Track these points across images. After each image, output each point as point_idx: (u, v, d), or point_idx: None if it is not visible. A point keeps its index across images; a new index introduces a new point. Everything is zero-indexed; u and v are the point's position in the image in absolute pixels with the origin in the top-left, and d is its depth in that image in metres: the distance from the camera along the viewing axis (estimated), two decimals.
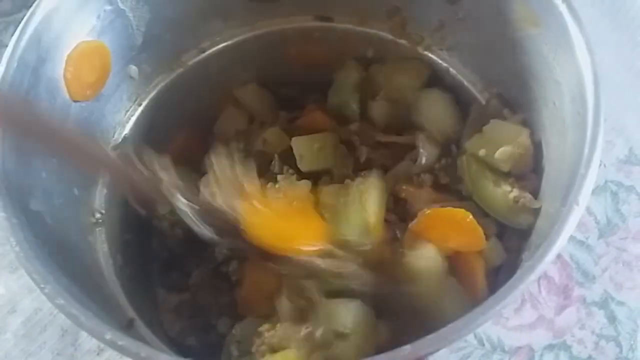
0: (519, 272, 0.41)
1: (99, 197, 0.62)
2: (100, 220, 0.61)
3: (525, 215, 0.53)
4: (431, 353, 0.38)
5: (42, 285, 0.41)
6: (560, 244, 0.39)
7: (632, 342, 0.69)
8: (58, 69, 0.55)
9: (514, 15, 0.54)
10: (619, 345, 0.69)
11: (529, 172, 0.56)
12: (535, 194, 0.54)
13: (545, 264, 0.39)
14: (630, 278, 0.73)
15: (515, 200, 0.53)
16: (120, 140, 0.65)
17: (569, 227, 0.40)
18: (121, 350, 0.38)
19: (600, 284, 0.72)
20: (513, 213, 0.54)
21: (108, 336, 0.39)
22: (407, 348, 0.37)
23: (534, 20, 0.51)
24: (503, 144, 0.55)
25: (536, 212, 0.52)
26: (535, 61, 0.53)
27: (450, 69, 0.66)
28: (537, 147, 0.56)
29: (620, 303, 0.71)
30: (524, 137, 0.55)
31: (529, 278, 0.39)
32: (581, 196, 0.41)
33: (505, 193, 0.54)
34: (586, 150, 0.42)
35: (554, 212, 0.45)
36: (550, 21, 0.49)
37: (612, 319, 0.70)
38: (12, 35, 0.53)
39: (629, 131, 0.81)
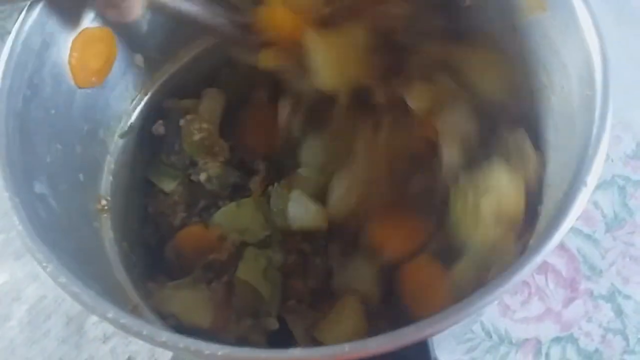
0: (524, 255, 0.40)
1: (105, 184, 0.62)
2: (107, 207, 0.61)
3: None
4: (434, 334, 0.38)
5: (45, 264, 0.41)
6: (567, 225, 0.39)
7: (639, 336, 0.69)
8: (63, 54, 0.55)
9: (522, 1, 0.54)
10: (625, 338, 0.69)
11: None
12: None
13: (551, 246, 0.38)
14: (637, 272, 0.72)
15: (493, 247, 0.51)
16: (126, 129, 0.65)
17: (577, 208, 0.39)
18: (123, 328, 0.38)
19: (607, 278, 0.72)
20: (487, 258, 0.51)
21: (110, 314, 0.38)
22: (410, 328, 0.36)
23: (542, 5, 0.51)
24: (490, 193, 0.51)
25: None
26: (542, 46, 0.52)
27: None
28: (543, 137, 0.55)
29: (627, 297, 0.71)
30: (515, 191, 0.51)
31: (534, 260, 0.38)
32: (590, 177, 0.40)
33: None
34: (594, 131, 0.42)
35: (562, 196, 0.44)
36: (558, 4, 0.49)
37: (619, 312, 0.70)
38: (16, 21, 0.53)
39: (637, 126, 0.81)
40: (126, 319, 0.38)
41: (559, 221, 0.39)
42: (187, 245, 0.63)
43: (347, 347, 0.36)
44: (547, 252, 0.38)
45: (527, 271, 0.37)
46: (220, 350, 0.36)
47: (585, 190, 0.40)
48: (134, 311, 0.53)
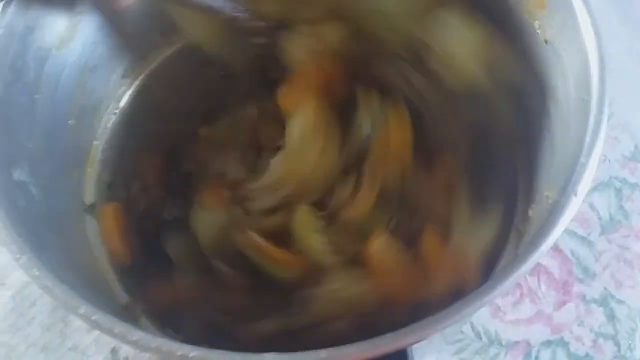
0: (512, 262, 0.39)
1: (91, 180, 0.62)
2: (94, 203, 0.60)
3: None
4: (416, 342, 0.37)
5: (18, 256, 0.40)
6: (555, 234, 0.38)
7: (630, 342, 0.68)
8: (48, 38, 0.54)
9: None
10: (617, 343, 0.68)
11: None
12: None
13: (538, 255, 0.37)
14: (631, 276, 0.71)
15: None
16: (115, 113, 0.64)
17: (565, 218, 0.38)
18: (95, 325, 0.37)
19: (600, 281, 0.71)
20: None
21: (82, 310, 0.37)
22: (388, 336, 0.35)
23: (540, 2, 0.49)
24: None
25: None
26: (540, 46, 0.51)
27: None
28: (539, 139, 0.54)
29: (620, 301, 0.70)
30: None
31: (520, 269, 0.37)
32: (580, 186, 0.39)
33: None
34: (588, 139, 0.40)
35: (552, 203, 0.43)
36: (557, 2, 0.48)
37: (611, 317, 0.69)
38: None
39: (635, 127, 0.79)
40: (98, 316, 0.37)
41: (547, 230, 0.38)
42: None
43: (323, 354, 0.35)
44: (534, 262, 0.37)
45: (510, 282, 0.36)
46: (192, 351, 0.35)
47: (575, 200, 0.38)
48: (125, 310, 0.53)
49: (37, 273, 0.39)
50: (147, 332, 0.36)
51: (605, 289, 0.70)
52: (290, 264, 0.55)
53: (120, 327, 0.36)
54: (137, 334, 0.36)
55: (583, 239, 0.73)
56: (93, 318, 0.37)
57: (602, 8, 0.46)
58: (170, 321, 0.55)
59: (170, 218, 0.65)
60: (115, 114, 0.65)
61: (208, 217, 0.60)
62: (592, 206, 0.74)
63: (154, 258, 0.61)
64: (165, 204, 0.66)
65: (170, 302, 0.57)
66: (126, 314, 0.53)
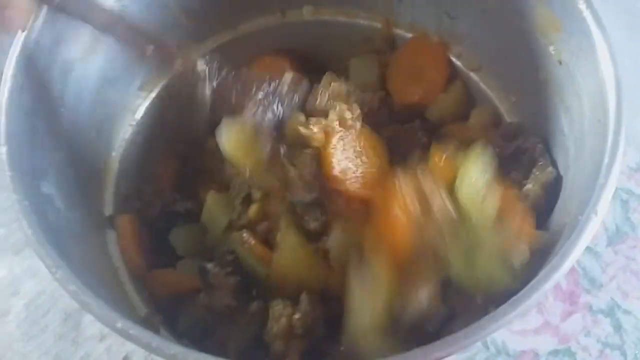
0: (532, 281, 0.40)
1: (109, 193, 0.63)
2: (112, 215, 0.61)
3: None
4: (441, 357, 0.38)
5: (54, 270, 0.41)
6: (577, 253, 0.39)
7: (636, 352, 0.69)
8: (72, 50, 0.55)
9: (535, 19, 0.53)
10: (623, 354, 0.69)
11: None
12: None
13: (560, 273, 0.38)
14: (637, 287, 0.72)
15: None
16: (133, 124, 0.65)
17: (586, 237, 0.40)
18: (132, 339, 0.38)
19: (607, 292, 0.72)
20: None
21: (119, 324, 0.38)
22: (416, 352, 0.36)
23: (555, 25, 0.51)
24: None
25: None
26: (554, 66, 0.52)
27: (472, 74, 0.66)
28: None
29: (627, 312, 0.71)
30: None
31: (543, 287, 0.38)
32: (600, 206, 0.40)
33: None
34: (606, 159, 0.41)
35: (570, 221, 0.44)
36: (572, 27, 0.49)
37: (617, 327, 0.70)
38: None
39: None
40: (135, 330, 0.38)
41: (569, 250, 0.39)
42: None
43: None
44: (557, 278, 0.39)
45: (533, 301, 0.37)
46: None
47: (595, 219, 0.40)
48: (144, 322, 0.54)
49: (74, 288, 0.40)
50: (185, 346, 0.37)
51: (612, 299, 0.71)
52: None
53: (157, 341, 0.37)
54: (174, 348, 0.37)
55: (590, 250, 0.74)
56: (131, 332, 0.38)
57: (608, 23, 0.47)
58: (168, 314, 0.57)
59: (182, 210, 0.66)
60: (132, 125, 0.66)
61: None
62: None
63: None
64: (176, 204, 0.67)
65: (169, 289, 0.59)
66: (146, 325, 0.54)
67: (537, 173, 0.53)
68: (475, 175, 0.50)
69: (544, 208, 0.52)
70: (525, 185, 0.53)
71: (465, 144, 0.54)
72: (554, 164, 0.54)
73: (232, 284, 0.57)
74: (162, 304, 0.58)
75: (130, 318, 0.48)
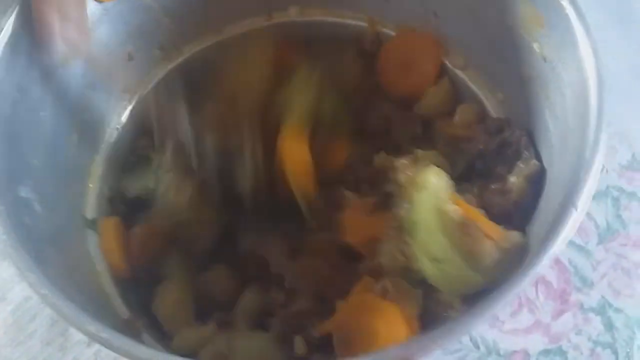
0: (513, 276, 0.39)
1: (92, 196, 0.62)
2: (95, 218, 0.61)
3: None
4: (420, 356, 0.38)
5: (27, 273, 0.41)
6: (556, 249, 0.38)
7: (628, 350, 0.68)
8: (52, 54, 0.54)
9: (519, 16, 0.53)
10: (615, 352, 0.68)
11: None
12: None
13: (539, 269, 0.38)
14: (628, 285, 0.71)
15: None
16: (117, 129, 0.65)
17: (567, 233, 0.39)
18: (105, 343, 0.37)
19: (598, 290, 0.71)
20: None
21: (92, 329, 0.38)
22: (393, 350, 0.36)
23: (538, 21, 0.50)
24: None
25: None
26: (539, 63, 0.52)
27: (458, 72, 0.65)
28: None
29: (618, 310, 0.70)
30: None
31: (521, 283, 0.38)
32: (580, 201, 0.40)
33: None
34: (587, 154, 0.41)
35: (553, 218, 0.43)
36: (555, 22, 0.48)
37: (609, 326, 0.69)
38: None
39: (633, 137, 0.80)
40: (107, 333, 0.37)
41: (548, 244, 0.38)
42: None
43: None
44: (535, 275, 0.38)
45: (511, 296, 0.37)
46: None
47: (575, 214, 0.39)
48: (126, 325, 0.53)
49: (46, 292, 0.39)
50: (161, 351, 0.36)
51: (603, 297, 0.71)
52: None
53: (130, 344, 0.37)
54: (148, 352, 0.36)
55: (581, 248, 0.73)
56: (103, 336, 0.37)
57: (599, 21, 0.47)
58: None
59: None
60: (117, 129, 0.65)
61: None
62: (589, 215, 0.75)
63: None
64: None
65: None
66: (128, 329, 0.54)
67: (522, 166, 0.53)
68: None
69: (529, 205, 0.52)
70: (509, 179, 0.53)
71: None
72: (538, 157, 0.53)
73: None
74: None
75: (111, 322, 0.48)
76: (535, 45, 0.52)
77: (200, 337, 0.54)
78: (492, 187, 0.53)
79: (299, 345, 0.51)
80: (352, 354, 0.46)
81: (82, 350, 0.69)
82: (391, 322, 0.49)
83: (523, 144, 0.54)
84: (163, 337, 0.55)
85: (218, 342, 0.53)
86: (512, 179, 0.52)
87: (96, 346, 0.69)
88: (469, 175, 0.57)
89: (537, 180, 0.52)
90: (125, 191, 0.64)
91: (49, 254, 0.48)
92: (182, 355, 0.39)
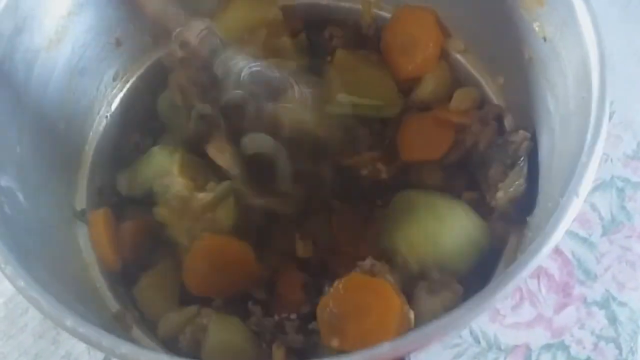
0: (511, 266, 0.38)
1: (81, 186, 0.61)
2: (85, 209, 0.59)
3: None
4: (415, 350, 0.36)
5: (3, 266, 0.39)
6: (557, 237, 0.37)
7: (632, 345, 0.66)
8: (37, 38, 0.53)
9: None
10: (618, 347, 0.66)
11: None
12: None
13: (539, 259, 0.36)
14: (633, 278, 0.70)
15: None
16: (106, 116, 0.63)
17: (567, 220, 0.37)
18: (82, 338, 0.36)
19: (601, 283, 0.70)
20: None
21: (69, 323, 0.36)
22: (386, 345, 0.34)
23: (539, 0, 0.49)
24: None
25: None
26: (539, 44, 0.50)
27: (458, 57, 0.63)
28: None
29: (622, 304, 0.68)
30: None
31: (520, 273, 0.36)
32: (581, 187, 0.38)
33: None
34: (589, 137, 0.39)
35: (553, 205, 0.42)
36: (556, 0, 0.47)
37: (612, 319, 0.68)
38: None
39: (638, 125, 0.78)
40: (85, 328, 0.36)
41: (549, 233, 0.37)
42: None
43: None
44: (535, 265, 0.36)
45: (511, 285, 0.35)
46: None
47: (576, 202, 0.37)
48: (115, 319, 0.52)
49: (22, 284, 0.38)
50: (137, 344, 0.35)
51: (607, 291, 0.69)
52: None
53: (108, 339, 0.35)
54: (125, 347, 0.34)
55: (584, 240, 0.72)
56: (80, 330, 0.36)
57: (602, 6, 0.45)
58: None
59: None
60: (106, 117, 0.64)
61: None
62: (593, 206, 0.73)
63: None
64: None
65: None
66: (117, 323, 0.52)
67: (512, 180, 0.53)
68: None
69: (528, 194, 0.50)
70: (498, 190, 0.53)
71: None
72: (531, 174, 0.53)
73: None
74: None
75: (99, 315, 0.47)
76: (536, 25, 0.50)
77: (184, 319, 0.53)
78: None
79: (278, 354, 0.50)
80: (344, 334, 0.46)
81: (75, 343, 0.68)
82: (383, 296, 0.48)
83: (524, 148, 0.53)
84: (153, 330, 0.54)
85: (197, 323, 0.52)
86: (499, 194, 0.52)
87: None
88: (462, 165, 0.56)
89: (519, 205, 0.52)
90: (120, 189, 0.63)
91: (33, 246, 0.46)
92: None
